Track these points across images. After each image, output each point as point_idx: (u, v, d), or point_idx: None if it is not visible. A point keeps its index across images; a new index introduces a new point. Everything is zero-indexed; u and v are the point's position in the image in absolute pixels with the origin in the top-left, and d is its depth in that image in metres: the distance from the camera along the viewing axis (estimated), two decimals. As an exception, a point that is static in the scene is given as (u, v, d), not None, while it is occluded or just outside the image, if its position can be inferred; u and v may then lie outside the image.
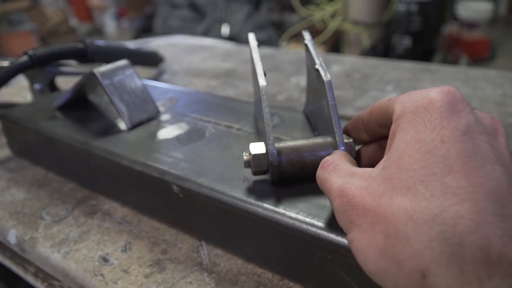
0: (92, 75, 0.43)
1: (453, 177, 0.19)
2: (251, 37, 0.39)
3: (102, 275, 0.33)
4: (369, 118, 0.29)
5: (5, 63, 0.54)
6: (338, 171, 0.25)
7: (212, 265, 0.33)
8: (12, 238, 0.39)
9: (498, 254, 0.17)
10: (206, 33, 3.11)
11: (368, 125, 0.30)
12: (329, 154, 0.30)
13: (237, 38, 3.01)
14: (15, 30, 4.08)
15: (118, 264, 0.34)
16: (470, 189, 0.18)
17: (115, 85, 0.43)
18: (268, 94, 0.32)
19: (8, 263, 0.43)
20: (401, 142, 0.22)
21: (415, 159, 0.20)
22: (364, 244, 0.21)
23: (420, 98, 0.22)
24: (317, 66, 0.34)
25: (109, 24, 5.00)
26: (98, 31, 5.06)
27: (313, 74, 0.37)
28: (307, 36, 0.39)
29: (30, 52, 0.52)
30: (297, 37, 3.24)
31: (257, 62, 0.36)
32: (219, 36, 2.98)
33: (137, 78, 0.45)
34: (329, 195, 0.25)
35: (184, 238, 0.36)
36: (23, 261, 0.42)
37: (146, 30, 3.87)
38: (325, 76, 0.33)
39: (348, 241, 0.22)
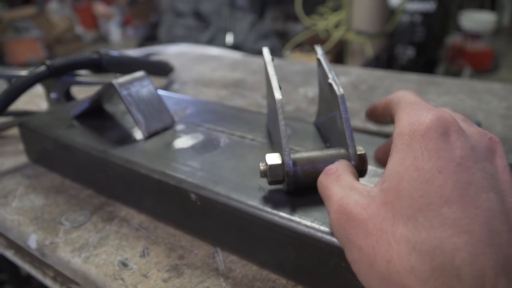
0: (110, 86, 0.44)
1: (449, 208, 0.20)
2: (265, 51, 0.41)
3: (122, 279, 0.34)
4: (383, 113, 0.31)
5: (24, 73, 0.55)
6: (340, 181, 0.26)
7: (228, 271, 0.34)
8: (32, 243, 0.41)
9: (491, 284, 0.18)
10: (210, 42, 3.14)
11: (384, 117, 0.31)
12: (342, 165, 0.32)
13: (241, 46, 3.04)
14: (21, 37, 4.12)
15: (137, 268, 0.35)
16: (466, 220, 0.19)
17: (133, 95, 0.44)
18: (283, 107, 0.34)
19: (27, 267, 0.44)
20: (400, 166, 0.23)
21: (414, 188, 0.21)
22: (366, 267, 0.22)
23: (418, 124, 0.23)
24: (330, 80, 0.36)
25: (114, 32, 5.05)
26: (103, 39, 5.10)
27: (326, 88, 0.38)
28: (319, 50, 0.40)
29: (48, 62, 0.53)
30: (301, 47, 3.27)
31: (272, 75, 0.37)
32: (223, 44, 3.01)
33: (153, 89, 0.46)
34: (328, 204, 0.26)
35: (199, 244, 0.38)
36: (42, 265, 0.43)
37: (150, 38, 3.91)
38: (338, 90, 0.34)
39: (348, 261, 0.23)
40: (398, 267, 0.20)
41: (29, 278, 0.91)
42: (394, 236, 0.21)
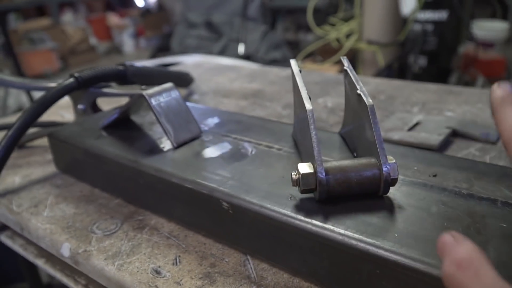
0: (141, 96, 0.45)
1: None
2: (293, 63, 0.42)
3: (156, 286, 0.35)
4: None
5: (53, 85, 0.57)
6: (481, 280, 0.21)
7: (259, 279, 0.35)
8: (65, 251, 0.41)
9: None
10: (222, 52, 3.17)
11: None
12: (374, 174, 0.32)
13: (253, 57, 3.07)
14: (36, 49, 4.19)
15: (170, 276, 0.36)
16: None
17: (162, 106, 0.45)
18: (314, 118, 0.35)
19: (58, 275, 0.45)
20: None
21: None
22: None
23: None
24: (358, 91, 0.36)
25: (127, 43, 5.11)
26: (116, 50, 5.17)
27: (353, 98, 0.39)
28: (346, 62, 0.41)
29: (76, 75, 0.54)
30: (313, 56, 3.28)
31: (302, 87, 0.38)
32: (235, 55, 3.03)
33: (181, 100, 0.48)
34: None
35: (230, 252, 0.38)
36: (73, 273, 0.44)
37: (163, 49, 3.95)
38: (367, 101, 0.35)
39: None
40: None
41: (50, 287, 0.93)
42: None
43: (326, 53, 3.13)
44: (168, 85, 0.47)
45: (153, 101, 0.45)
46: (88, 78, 0.55)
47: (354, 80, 0.38)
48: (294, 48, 3.69)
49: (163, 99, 0.46)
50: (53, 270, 0.46)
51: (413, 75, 2.66)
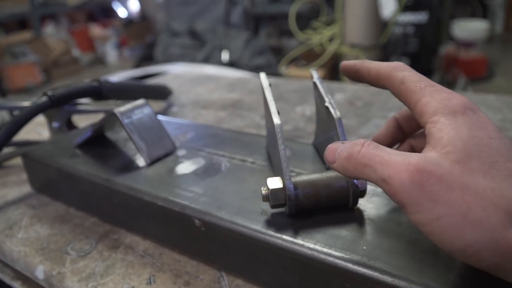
0: (112, 114, 0.45)
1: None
2: (263, 77, 0.42)
3: (130, 307, 0.35)
4: (369, 79, 0.34)
5: (26, 103, 0.56)
6: (384, 149, 0.26)
7: (234, 295, 0.35)
8: (40, 273, 0.41)
9: None
10: (206, 60, 3.17)
11: (366, 81, 0.34)
12: (343, 187, 0.32)
13: (237, 63, 3.07)
14: (18, 62, 4.15)
15: (144, 296, 0.36)
16: None
17: (134, 123, 0.45)
18: (282, 132, 0.35)
19: (34, 297, 0.44)
20: (457, 134, 0.25)
21: (479, 150, 0.24)
22: (458, 219, 0.23)
23: (453, 105, 0.26)
24: (326, 104, 0.37)
25: (111, 53, 5.09)
26: (100, 61, 5.14)
27: (323, 110, 0.39)
28: (315, 74, 0.41)
29: (50, 93, 0.54)
30: (296, 61, 3.30)
31: (270, 101, 0.38)
32: (219, 62, 3.04)
33: (154, 116, 0.47)
34: (383, 169, 0.25)
35: (205, 269, 0.38)
36: (49, 295, 0.43)
37: (147, 58, 3.95)
38: (335, 113, 0.35)
39: (426, 221, 0.24)
40: (495, 211, 0.22)
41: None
42: (478, 187, 0.23)
43: (309, 57, 3.15)
44: (140, 101, 0.47)
45: (125, 119, 0.45)
46: (62, 96, 0.55)
47: (322, 93, 0.38)
48: (278, 54, 3.70)
49: (135, 116, 0.46)
50: (29, 292, 0.45)
51: (396, 77, 2.68)
